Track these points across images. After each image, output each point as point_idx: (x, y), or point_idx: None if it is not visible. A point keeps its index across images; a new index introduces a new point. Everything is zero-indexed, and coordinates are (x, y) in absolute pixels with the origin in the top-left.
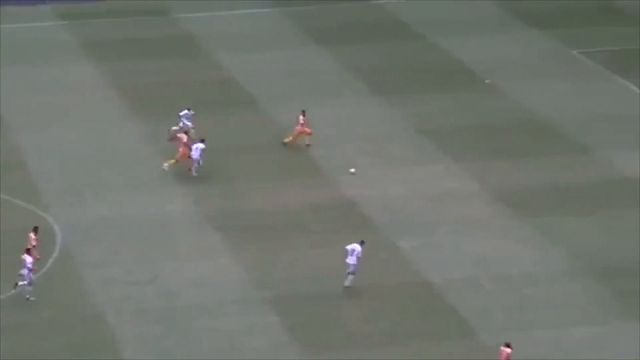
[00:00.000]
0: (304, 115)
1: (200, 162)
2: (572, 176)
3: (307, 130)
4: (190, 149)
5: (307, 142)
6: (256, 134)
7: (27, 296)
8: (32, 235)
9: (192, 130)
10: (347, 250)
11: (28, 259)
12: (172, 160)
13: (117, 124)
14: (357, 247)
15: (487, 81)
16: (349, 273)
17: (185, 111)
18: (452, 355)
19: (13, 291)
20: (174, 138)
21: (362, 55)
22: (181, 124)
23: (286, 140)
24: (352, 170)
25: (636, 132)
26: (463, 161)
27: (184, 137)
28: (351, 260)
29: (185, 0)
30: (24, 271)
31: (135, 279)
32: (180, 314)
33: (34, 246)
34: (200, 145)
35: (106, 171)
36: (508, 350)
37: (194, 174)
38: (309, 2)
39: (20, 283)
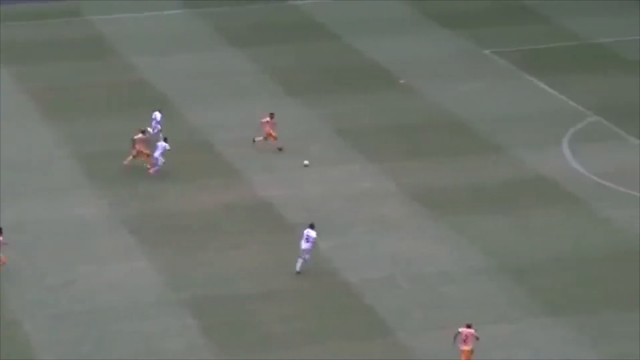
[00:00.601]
0: (271, 118)
1: (161, 162)
2: (486, 175)
3: (272, 132)
4: (148, 148)
5: (279, 146)
6: (170, 136)
7: None
8: None
9: (155, 132)
10: (302, 235)
11: None
12: (130, 157)
13: (29, 127)
14: (311, 232)
15: (401, 81)
16: (301, 257)
17: (157, 114)
18: (369, 354)
19: None
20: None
21: (277, 56)
22: (152, 128)
23: (278, 146)
24: (306, 162)
25: (547, 130)
26: (379, 161)
27: (140, 135)
28: (306, 245)
29: (98, 2)
30: None
31: (50, 284)
32: (96, 318)
33: None
34: (164, 144)
35: (19, 175)
36: (471, 330)
37: (153, 173)
38: (221, 3)
39: None
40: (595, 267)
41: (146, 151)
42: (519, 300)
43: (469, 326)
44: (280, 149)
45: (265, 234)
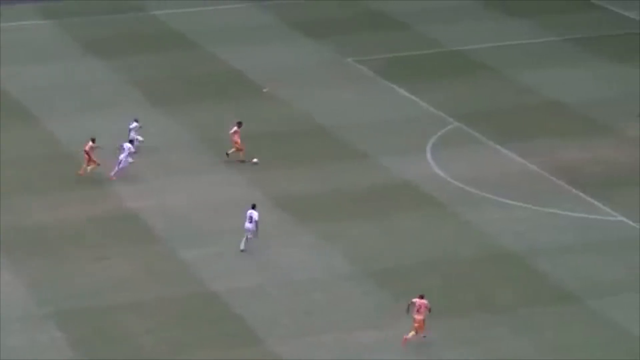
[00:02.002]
0: (238, 127)
1: (126, 163)
2: (353, 182)
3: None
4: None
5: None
6: (32, 148)
7: None
8: None
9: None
10: (246, 216)
11: None
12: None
13: None
14: (254, 212)
15: (265, 90)
16: (245, 237)
17: (135, 124)
18: None
19: None
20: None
21: (139, 66)
22: (131, 136)
23: (242, 157)
24: (255, 160)
25: (410, 137)
26: (245, 170)
27: (91, 144)
28: (249, 225)
29: None
30: None
31: None
32: None
33: None
34: (129, 146)
35: None
36: (424, 301)
37: (115, 175)
38: (81, 13)
39: None
40: (461, 270)
41: (94, 159)
42: (387, 305)
43: (421, 297)
44: (228, 155)
45: (132, 244)
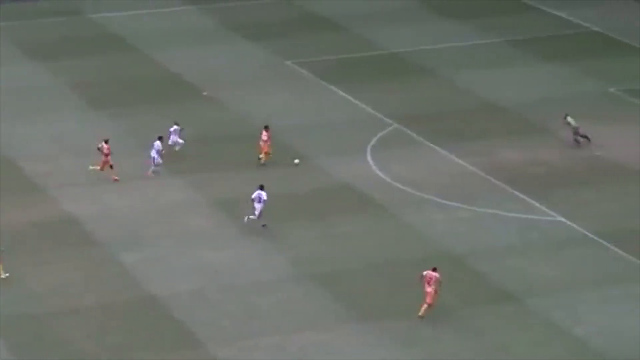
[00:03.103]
0: (267, 131)
1: (158, 162)
2: (293, 184)
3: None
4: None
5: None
6: None
7: None
8: None
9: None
10: (253, 199)
11: None
12: (97, 167)
13: None
14: (262, 193)
15: (204, 93)
16: (252, 216)
17: (175, 127)
18: None
19: None
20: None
21: (79, 69)
22: (170, 140)
23: (262, 159)
24: (297, 161)
25: (351, 139)
26: (185, 173)
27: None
28: (258, 205)
29: None
30: None
31: None
32: None
33: None
34: (158, 143)
35: None
36: (435, 274)
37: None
38: (18, 17)
39: None
40: (402, 271)
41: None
42: (329, 308)
43: (434, 269)
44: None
45: (72, 250)
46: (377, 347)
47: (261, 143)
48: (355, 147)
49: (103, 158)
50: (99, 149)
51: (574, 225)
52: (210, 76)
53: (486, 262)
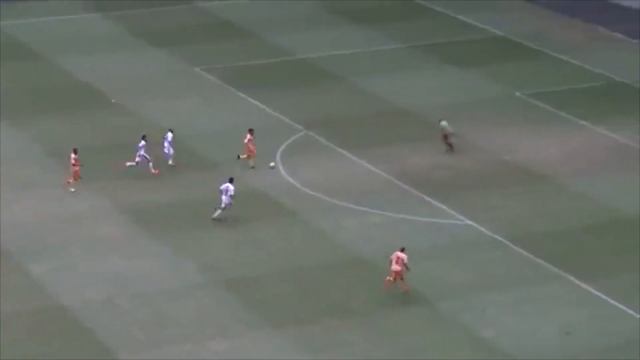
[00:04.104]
0: (251, 134)
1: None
2: (203, 191)
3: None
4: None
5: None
6: None
7: None
8: None
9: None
10: (220, 191)
11: None
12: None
13: None
14: (230, 186)
15: (113, 100)
16: (219, 208)
17: (170, 134)
18: None
19: None
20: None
21: None
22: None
23: (247, 160)
24: (272, 164)
25: (260, 145)
26: (95, 181)
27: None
28: (225, 199)
29: None
30: None
31: None
32: None
33: None
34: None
35: None
36: (403, 255)
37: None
38: None
39: None
40: (313, 277)
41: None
42: (240, 314)
43: (402, 250)
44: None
45: None
46: (290, 352)
47: (250, 146)
48: (265, 154)
49: (73, 169)
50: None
51: (482, 229)
52: (119, 83)
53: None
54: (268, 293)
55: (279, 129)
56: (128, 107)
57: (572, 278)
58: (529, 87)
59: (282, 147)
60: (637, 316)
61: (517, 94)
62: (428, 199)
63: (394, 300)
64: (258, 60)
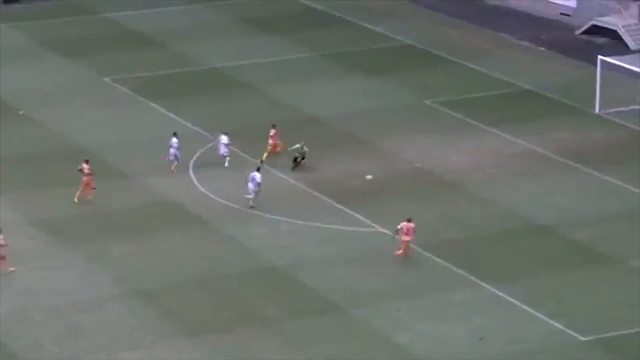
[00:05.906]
0: (274, 129)
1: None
2: (114, 202)
3: (276, 143)
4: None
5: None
6: None
7: None
8: None
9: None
10: (247, 179)
11: None
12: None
13: None
14: (257, 174)
15: (20, 112)
16: (248, 195)
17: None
18: None
19: None
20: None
21: None
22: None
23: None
24: (369, 176)
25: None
26: (4, 192)
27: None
28: (251, 186)
29: None
30: None
31: None
32: None
33: None
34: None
35: None
36: (411, 224)
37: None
38: None
39: None
40: (226, 286)
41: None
42: (153, 325)
43: (409, 220)
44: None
45: None
46: None
47: (272, 141)
48: (178, 163)
49: (84, 179)
50: (80, 170)
51: (393, 235)
52: (26, 94)
53: (310, 274)
54: (181, 303)
55: (191, 139)
56: (37, 118)
57: (484, 284)
58: (438, 95)
59: (194, 157)
60: (549, 321)
61: (427, 101)
62: (340, 206)
63: (307, 308)
64: (169, 70)
